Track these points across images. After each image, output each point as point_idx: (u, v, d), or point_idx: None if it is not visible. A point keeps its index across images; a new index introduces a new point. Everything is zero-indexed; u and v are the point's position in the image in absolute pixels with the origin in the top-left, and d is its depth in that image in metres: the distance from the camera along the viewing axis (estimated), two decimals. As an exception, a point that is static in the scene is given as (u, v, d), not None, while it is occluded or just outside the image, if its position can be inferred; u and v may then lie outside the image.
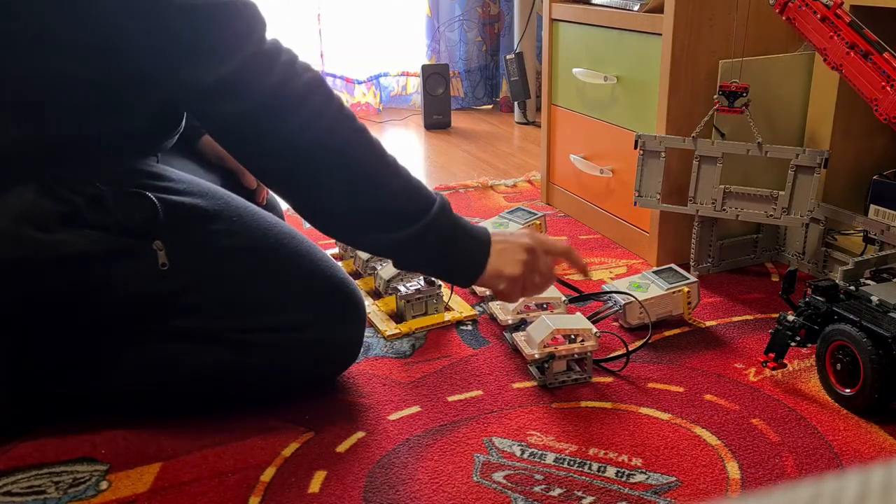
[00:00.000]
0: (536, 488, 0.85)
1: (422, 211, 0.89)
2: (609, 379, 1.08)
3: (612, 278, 1.39)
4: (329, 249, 1.52)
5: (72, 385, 0.96)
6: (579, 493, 0.84)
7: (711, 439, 0.94)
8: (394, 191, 0.89)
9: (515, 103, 2.76)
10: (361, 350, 1.12)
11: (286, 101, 0.85)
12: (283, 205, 1.62)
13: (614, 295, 1.22)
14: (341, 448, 0.93)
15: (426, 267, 0.97)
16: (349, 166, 0.88)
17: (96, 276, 0.90)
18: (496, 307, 1.18)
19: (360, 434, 0.96)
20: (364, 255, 1.36)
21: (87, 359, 0.97)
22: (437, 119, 2.68)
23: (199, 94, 0.84)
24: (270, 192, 1.34)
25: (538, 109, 2.66)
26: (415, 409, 1.01)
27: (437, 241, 0.90)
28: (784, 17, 1.14)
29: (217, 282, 0.96)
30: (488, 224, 1.52)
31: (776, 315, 1.16)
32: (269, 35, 0.87)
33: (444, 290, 1.30)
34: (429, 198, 0.90)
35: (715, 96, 1.29)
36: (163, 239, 0.92)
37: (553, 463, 0.90)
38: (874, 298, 0.99)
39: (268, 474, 0.88)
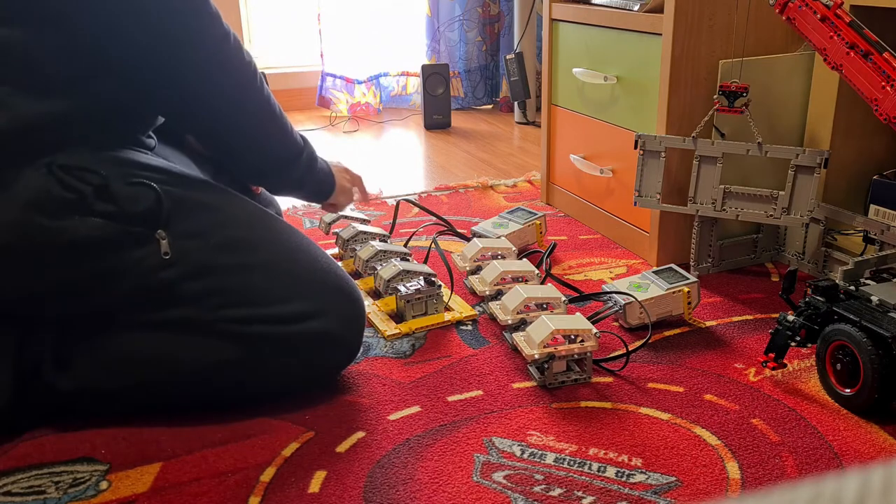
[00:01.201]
0: (536, 488, 0.85)
1: (299, 153, 1.11)
2: (609, 379, 1.08)
3: (612, 278, 1.40)
4: (329, 249, 1.52)
5: (74, 378, 0.96)
6: (579, 493, 0.84)
7: (711, 439, 0.94)
8: (283, 135, 1.09)
9: (515, 103, 2.76)
10: (361, 350, 1.12)
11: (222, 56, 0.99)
12: (281, 204, 1.63)
13: (614, 295, 1.22)
14: (341, 448, 0.93)
15: (299, 195, 1.21)
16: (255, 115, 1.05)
17: (102, 263, 0.93)
18: (496, 307, 1.18)
19: (360, 434, 0.96)
20: (364, 256, 1.36)
21: (90, 351, 0.97)
22: (437, 119, 2.68)
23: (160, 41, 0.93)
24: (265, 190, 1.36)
25: (538, 109, 2.67)
26: (415, 409, 1.01)
27: (309, 175, 1.14)
28: (784, 17, 1.14)
29: (218, 272, 0.97)
30: (488, 224, 1.53)
31: (776, 315, 1.16)
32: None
33: (445, 290, 1.30)
34: (299, 140, 1.12)
35: (715, 96, 1.30)
36: (166, 229, 0.94)
37: (553, 463, 0.90)
38: (874, 298, 0.99)
39: (268, 474, 0.88)
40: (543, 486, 0.86)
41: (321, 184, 1.18)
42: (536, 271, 1.28)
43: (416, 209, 1.78)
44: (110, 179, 0.93)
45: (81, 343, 0.97)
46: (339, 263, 1.45)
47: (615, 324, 1.23)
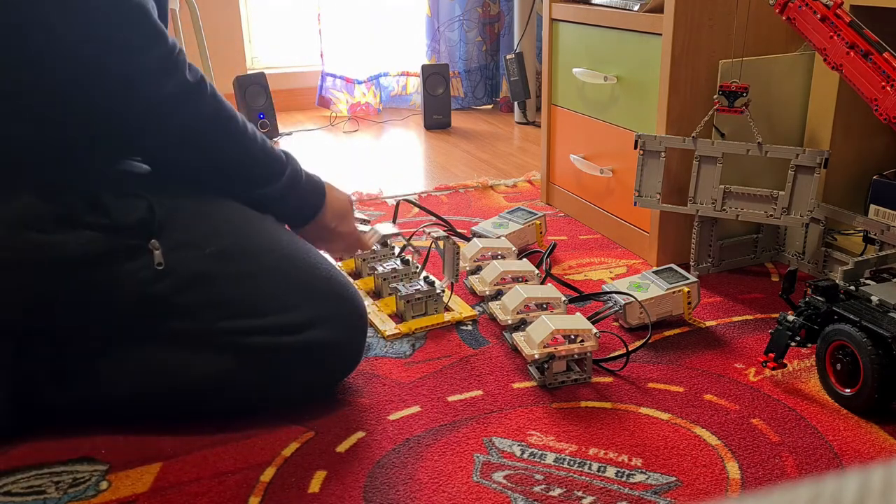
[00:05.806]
0: (536, 488, 0.85)
1: (280, 173, 1.02)
2: (609, 379, 1.08)
3: (612, 278, 1.39)
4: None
5: (71, 392, 0.96)
6: (579, 493, 0.84)
7: (711, 439, 0.94)
8: (257, 157, 1.00)
9: (515, 103, 2.76)
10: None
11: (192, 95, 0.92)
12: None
13: (614, 295, 1.22)
14: (341, 448, 0.93)
15: (280, 215, 1.06)
16: (227, 139, 0.97)
17: (95, 276, 0.90)
18: (496, 307, 1.18)
19: (360, 434, 0.96)
20: (364, 255, 1.36)
21: (86, 365, 0.96)
22: (437, 119, 2.68)
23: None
24: None
25: (538, 109, 2.66)
26: (415, 409, 1.01)
27: (292, 197, 1.04)
28: (784, 17, 1.14)
29: (215, 282, 0.95)
30: (488, 224, 1.53)
31: (776, 315, 1.16)
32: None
33: (445, 290, 1.30)
34: (281, 160, 1.03)
35: (715, 96, 1.30)
36: (159, 238, 0.92)
37: (553, 463, 0.90)
38: (874, 298, 0.99)
39: (268, 474, 0.88)
40: (543, 486, 0.86)
41: (305, 197, 1.07)
42: (536, 271, 1.28)
43: (416, 209, 1.78)
44: (101, 191, 0.90)
45: (78, 356, 0.96)
46: (339, 264, 1.45)
47: (615, 324, 1.23)
